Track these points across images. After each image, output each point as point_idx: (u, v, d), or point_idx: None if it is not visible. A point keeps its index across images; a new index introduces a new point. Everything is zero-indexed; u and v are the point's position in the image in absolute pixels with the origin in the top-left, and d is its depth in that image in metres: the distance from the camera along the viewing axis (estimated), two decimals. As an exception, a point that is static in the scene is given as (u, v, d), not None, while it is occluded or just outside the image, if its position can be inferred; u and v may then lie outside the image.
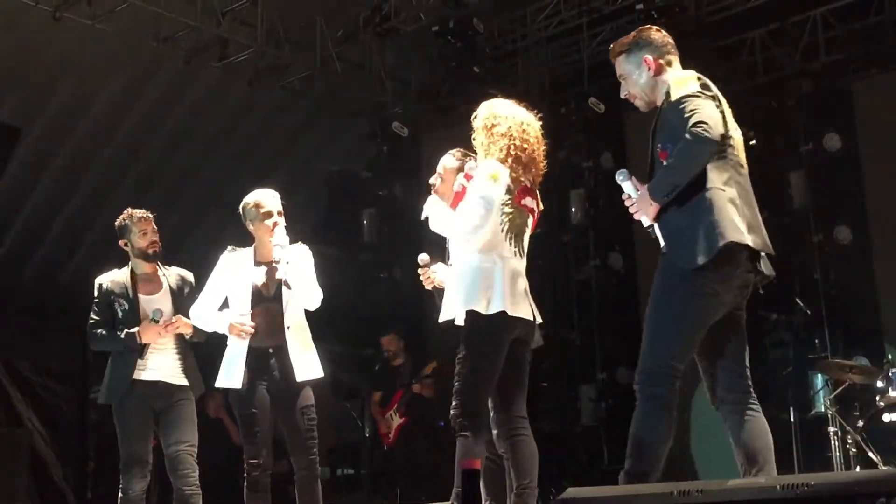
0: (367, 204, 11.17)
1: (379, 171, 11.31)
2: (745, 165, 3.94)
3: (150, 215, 5.73)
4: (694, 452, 8.95)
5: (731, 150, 3.83)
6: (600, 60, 10.46)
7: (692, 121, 3.68)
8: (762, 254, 3.86)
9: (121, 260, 5.78)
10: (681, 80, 3.86)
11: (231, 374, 5.20)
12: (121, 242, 5.73)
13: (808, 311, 8.75)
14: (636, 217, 4.08)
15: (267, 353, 5.19)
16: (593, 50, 10.35)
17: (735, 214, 3.75)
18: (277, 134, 11.49)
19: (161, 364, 5.59)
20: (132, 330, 5.52)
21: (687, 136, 3.67)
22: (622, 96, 4.22)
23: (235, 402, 5.23)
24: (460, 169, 4.86)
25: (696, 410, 8.93)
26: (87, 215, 10.61)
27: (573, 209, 9.91)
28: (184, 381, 5.61)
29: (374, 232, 11.04)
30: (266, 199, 5.34)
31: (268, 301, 5.21)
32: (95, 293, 5.71)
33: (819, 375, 8.25)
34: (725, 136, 3.81)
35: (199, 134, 10.99)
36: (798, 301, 8.78)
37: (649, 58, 4.04)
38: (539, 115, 4.79)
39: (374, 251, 11.10)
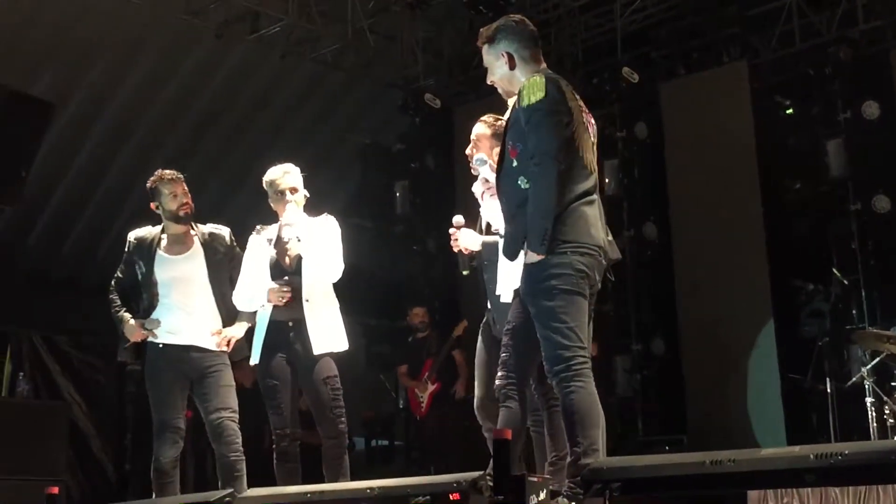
0: (399, 176, 11.18)
1: (411, 143, 11.31)
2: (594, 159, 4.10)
3: (181, 176, 5.62)
4: (751, 416, 8.92)
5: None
6: (634, 30, 10.38)
7: (533, 147, 3.86)
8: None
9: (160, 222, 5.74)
10: (530, 85, 3.95)
11: (254, 348, 5.26)
12: (152, 205, 5.64)
13: (846, 282, 8.66)
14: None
15: (286, 326, 5.21)
16: (627, 19, 10.25)
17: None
18: (310, 107, 11.49)
19: (192, 327, 5.49)
20: (124, 325, 5.53)
21: (532, 171, 3.86)
22: (488, 83, 4.31)
23: (258, 375, 5.29)
24: (494, 134, 4.87)
25: (752, 376, 8.93)
26: (122, 190, 10.67)
27: (607, 180, 9.83)
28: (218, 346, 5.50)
29: (407, 204, 11.05)
30: (280, 176, 5.34)
31: (288, 275, 5.23)
32: (126, 248, 5.69)
33: (856, 346, 8.17)
34: (571, 141, 3.93)
35: (231, 107, 11.01)
36: (835, 271, 8.70)
37: (506, 52, 4.14)
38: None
39: (407, 223, 11.11)
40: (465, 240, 4.89)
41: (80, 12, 9.19)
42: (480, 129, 4.99)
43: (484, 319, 4.98)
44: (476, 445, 5.53)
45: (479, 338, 5.00)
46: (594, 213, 4.00)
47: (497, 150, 4.85)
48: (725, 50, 9.72)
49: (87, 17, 9.29)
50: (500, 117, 4.97)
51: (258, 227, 5.46)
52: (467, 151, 5.01)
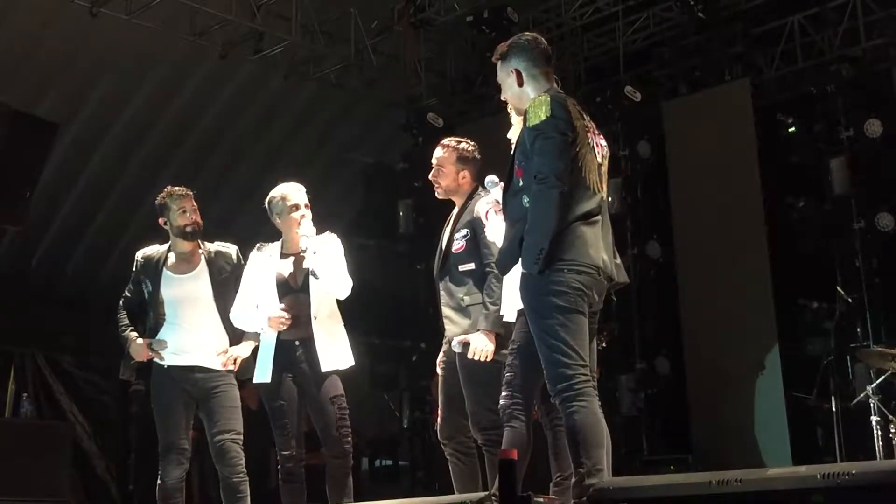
0: (403, 195, 11.19)
1: (414, 162, 11.31)
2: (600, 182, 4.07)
3: (190, 192, 5.60)
4: (756, 434, 8.90)
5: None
6: (636, 49, 10.42)
7: (536, 168, 3.85)
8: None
9: (166, 240, 5.72)
10: (535, 105, 3.95)
11: (261, 368, 5.21)
12: (160, 221, 5.60)
13: (850, 300, 8.64)
14: None
15: (294, 345, 5.18)
16: (629, 38, 10.29)
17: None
18: (313, 126, 11.52)
19: (197, 347, 5.45)
20: (130, 345, 5.49)
21: (534, 191, 3.85)
22: (502, 99, 4.31)
23: (264, 396, 5.26)
24: (460, 158, 4.92)
25: (757, 395, 8.91)
26: (127, 210, 10.70)
27: (610, 198, 9.82)
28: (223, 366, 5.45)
29: (411, 223, 11.05)
30: (293, 192, 5.34)
31: (295, 292, 5.21)
32: (133, 267, 5.66)
33: (861, 364, 8.15)
34: (574, 161, 3.91)
35: (235, 127, 11.04)
36: (839, 289, 8.68)
37: (514, 69, 4.15)
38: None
39: (410, 242, 11.12)
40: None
41: (85, 33, 9.23)
42: (440, 153, 5.05)
43: (443, 349, 5.00)
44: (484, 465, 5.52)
45: (441, 361, 5.01)
46: (594, 234, 3.98)
47: (463, 173, 4.94)
48: (728, 68, 9.74)
49: (91, 37, 9.33)
50: (463, 139, 5.04)
51: (259, 244, 5.44)
52: (430, 177, 5.05)
